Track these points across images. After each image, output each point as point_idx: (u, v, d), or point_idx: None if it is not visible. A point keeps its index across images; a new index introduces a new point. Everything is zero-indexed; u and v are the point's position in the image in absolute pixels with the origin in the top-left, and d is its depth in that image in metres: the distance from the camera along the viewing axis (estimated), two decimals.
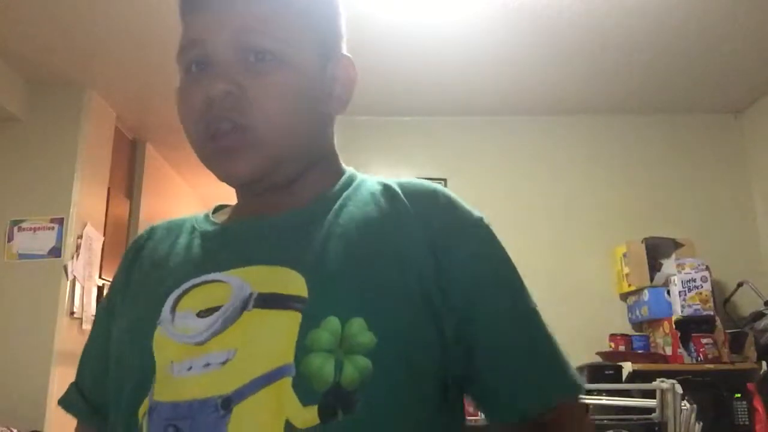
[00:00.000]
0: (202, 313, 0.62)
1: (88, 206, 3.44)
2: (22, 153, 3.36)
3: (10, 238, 3.26)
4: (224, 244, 0.69)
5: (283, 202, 0.69)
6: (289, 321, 0.58)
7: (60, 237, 3.25)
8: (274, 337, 0.58)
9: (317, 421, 0.54)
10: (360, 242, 0.63)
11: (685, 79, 3.49)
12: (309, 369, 0.55)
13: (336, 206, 0.68)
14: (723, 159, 3.84)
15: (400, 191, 0.69)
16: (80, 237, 3.34)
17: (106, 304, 0.76)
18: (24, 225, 3.27)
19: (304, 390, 0.55)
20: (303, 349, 0.56)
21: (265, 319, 0.59)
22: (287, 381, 0.55)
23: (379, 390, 0.56)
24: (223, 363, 0.58)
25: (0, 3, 2.73)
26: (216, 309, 0.61)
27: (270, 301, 0.60)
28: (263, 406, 0.55)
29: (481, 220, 0.70)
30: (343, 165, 0.77)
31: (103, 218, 3.64)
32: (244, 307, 0.60)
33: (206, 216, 0.76)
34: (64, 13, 2.81)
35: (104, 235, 3.61)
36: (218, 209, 0.79)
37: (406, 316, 0.59)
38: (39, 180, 3.31)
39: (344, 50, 0.75)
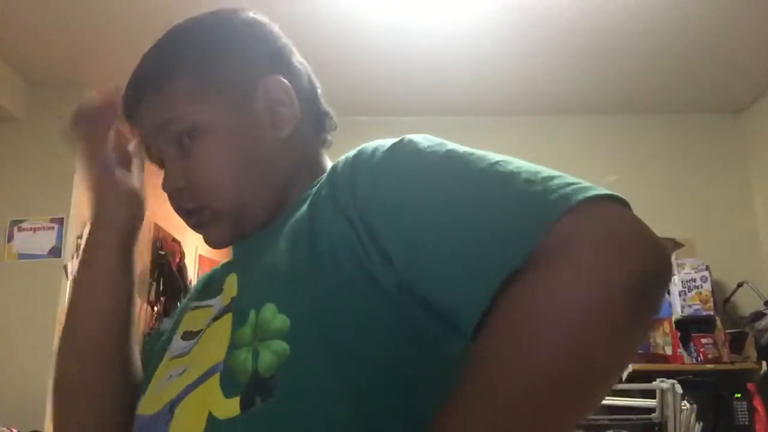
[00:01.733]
0: (185, 335, 0.67)
1: (88, 206, 3.44)
2: (22, 153, 3.36)
3: (10, 238, 3.26)
4: (224, 270, 0.74)
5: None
6: (226, 323, 0.61)
7: (60, 237, 3.25)
8: (214, 340, 0.61)
9: (238, 411, 0.53)
10: (286, 236, 0.62)
11: (685, 79, 3.49)
12: (234, 363, 0.56)
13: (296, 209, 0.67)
14: (723, 159, 3.84)
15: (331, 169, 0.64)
16: (80, 237, 3.34)
17: None
18: (24, 225, 3.27)
19: (228, 383, 0.55)
20: (232, 346, 0.58)
21: (213, 328, 0.63)
22: (216, 377, 0.57)
23: (299, 372, 0.53)
24: (180, 374, 0.62)
25: (0, 3, 2.73)
26: (198, 332, 0.66)
27: (222, 310, 0.64)
28: (193, 404, 0.57)
29: (377, 149, 0.59)
30: (327, 165, 0.75)
31: None
32: (208, 325, 0.65)
33: None
34: (64, 13, 2.81)
35: None
36: None
37: (322, 292, 0.55)
38: (39, 180, 3.31)
39: (272, 66, 0.71)
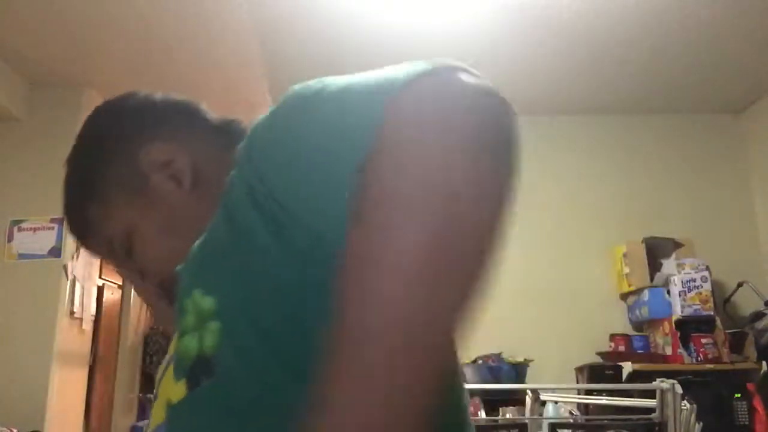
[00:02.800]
0: None
1: None
2: (22, 153, 3.36)
3: (10, 238, 3.26)
4: None
5: None
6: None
7: (60, 237, 3.25)
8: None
9: (185, 392, 0.55)
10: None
11: (685, 79, 3.49)
12: (180, 348, 0.58)
13: None
14: (723, 159, 3.85)
15: None
16: None
17: None
18: (24, 225, 3.27)
19: (177, 368, 0.58)
20: (180, 335, 0.59)
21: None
22: (171, 366, 0.60)
23: (232, 347, 0.54)
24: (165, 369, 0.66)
25: (0, 3, 2.73)
26: None
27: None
28: (160, 396, 0.61)
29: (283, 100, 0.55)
30: None
31: None
32: None
33: None
34: (64, 14, 2.81)
35: None
36: None
37: (236, 265, 0.55)
38: (39, 180, 3.31)
39: (145, 139, 0.73)
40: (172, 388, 0.57)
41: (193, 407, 0.55)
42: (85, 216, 0.76)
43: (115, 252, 0.75)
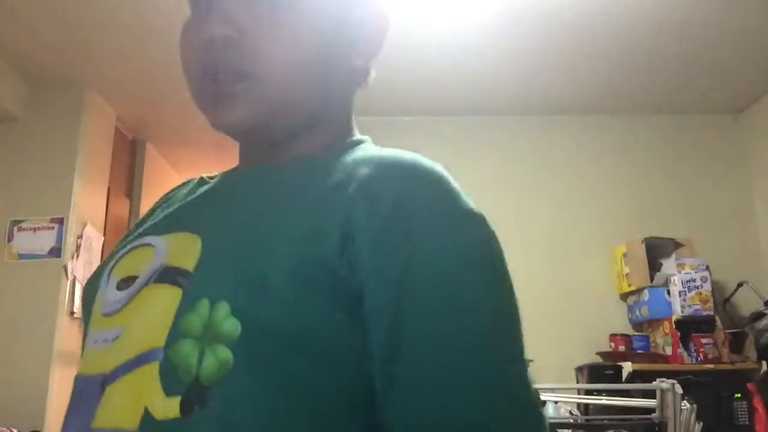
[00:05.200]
0: (121, 284, 0.58)
1: (88, 206, 3.44)
2: (22, 153, 3.36)
3: (10, 238, 3.26)
4: (185, 204, 0.64)
5: (266, 160, 0.63)
6: (171, 299, 0.53)
7: (60, 237, 3.25)
8: (153, 315, 0.53)
9: (177, 413, 0.48)
10: (271, 215, 0.54)
11: (685, 79, 3.49)
12: (176, 357, 0.50)
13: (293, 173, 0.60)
14: (723, 159, 3.84)
15: (365, 165, 0.56)
16: (80, 237, 3.34)
17: None
18: (24, 225, 3.27)
19: (170, 378, 0.50)
20: (174, 333, 0.51)
21: (153, 294, 0.55)
22: (155, 366, 0.50)
23: (239, 388, 0.48)
24: (113, 340, 0.54)
25: (0, 3, 2.73)
26: (134, 279, 0.57)
27: (166, 274, 0.55)
28: (127, 390, 0.51)
29: (457, 211, 0.54)
30: (355, 131, 0.70)
31: (103, 218, 3.64)
32: (148, 280, 0.56)
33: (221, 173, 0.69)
34: (64, 13, 2.81)
35: (104, 235, 3.61)
36: None
37: (286, 305, 0.49)
38: (39, 180, 3.31)
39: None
40: (155, 398, 0.50)
41: None
42: None
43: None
